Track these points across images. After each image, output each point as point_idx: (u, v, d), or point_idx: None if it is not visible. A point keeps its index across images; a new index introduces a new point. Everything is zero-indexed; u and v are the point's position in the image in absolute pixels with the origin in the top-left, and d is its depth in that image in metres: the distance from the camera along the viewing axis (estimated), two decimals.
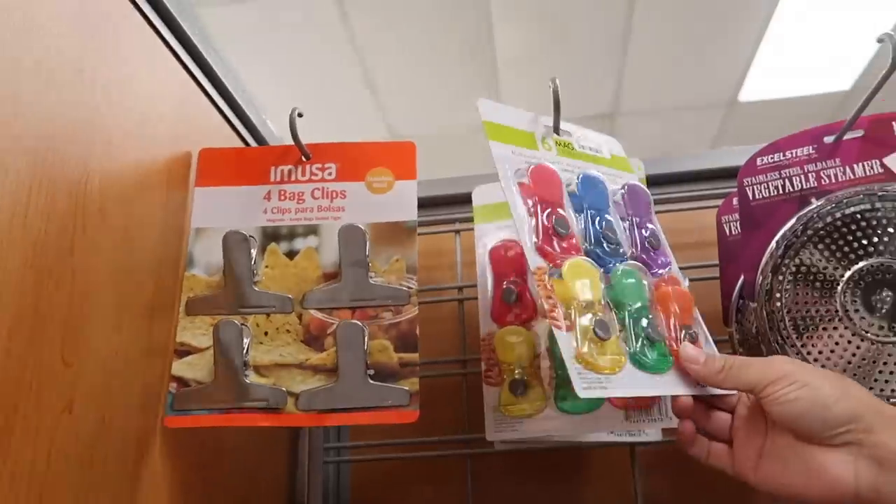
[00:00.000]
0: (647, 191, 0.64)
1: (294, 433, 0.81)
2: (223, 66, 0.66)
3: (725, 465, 0.51)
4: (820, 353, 0.58)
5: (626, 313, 0.53)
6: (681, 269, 0.62)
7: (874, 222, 0.57)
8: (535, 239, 0.54)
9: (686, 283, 0.61)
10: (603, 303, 0.53)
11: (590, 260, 0.55)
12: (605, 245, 0.57)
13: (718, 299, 0.67)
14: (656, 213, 0.64)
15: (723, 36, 2.96)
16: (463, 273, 0.80)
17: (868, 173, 0.59)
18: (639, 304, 0.54)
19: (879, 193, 0.57)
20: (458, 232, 0.82)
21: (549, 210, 0.56)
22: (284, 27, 2.63)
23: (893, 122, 0.59)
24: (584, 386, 0.48)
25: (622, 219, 0.61)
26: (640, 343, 0.52)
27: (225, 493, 0.64)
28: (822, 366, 0.58)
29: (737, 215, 0.65)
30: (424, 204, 0.87)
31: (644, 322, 0.53)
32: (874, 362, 0.57)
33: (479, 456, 0.76)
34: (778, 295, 0.59)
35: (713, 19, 2.86)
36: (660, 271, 0.60)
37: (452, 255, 0.82)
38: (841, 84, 3.28)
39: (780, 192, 0.62)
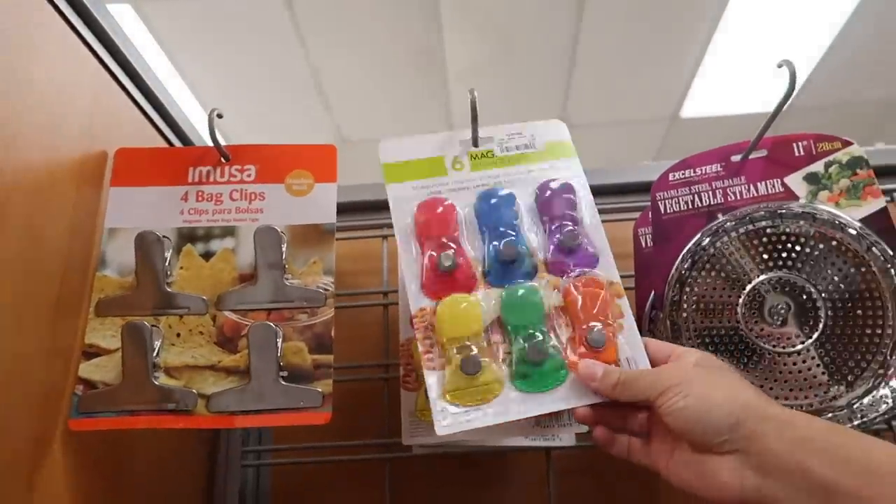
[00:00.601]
0: (573, 184, 0.61)
1: (214, 436, 0.80)
2: (144, 65, 0.66)
3: (644, 460, 0.51)
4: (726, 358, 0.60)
5: (515, 335, 0.54)
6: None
7: (774, 238, 0.60)
8: (418, 282, 0.56)
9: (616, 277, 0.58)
10: (489, 332, 0.54)
11: (473, 294, 0.56)
12: (498, 266, 0.57)
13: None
14: None
15: (667, 52, 3.04)
16: (389, 279, 0.81)
17: (770, 191, 0.62)
18: (527, 324, 0.55)
19: (779, 211, 0.60)
20: (385, 237, 0.83)
21: (434, 246, 0.57)
22: (230, 26, 2.59)
23: (794, 144, 0.62)
24: (445, 424, 0.50)
25: (543, 222, 0.60)
26: (520, 366, 0.53)
27: (136, 499, 0.63)
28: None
29: (651, 228, 0.67)
30: (353, 209, 0.87)
31: (524, 343, 0.54)
32: (771, 373, 0.60)
33: (399, 460, 0.77)
34: (685, 306, 0.62)
35: (658, 36, 2.94)
36: (576, 272, 0.57)
37: (379, 261, 0.83)
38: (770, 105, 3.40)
39: (690, 206, 0.64)
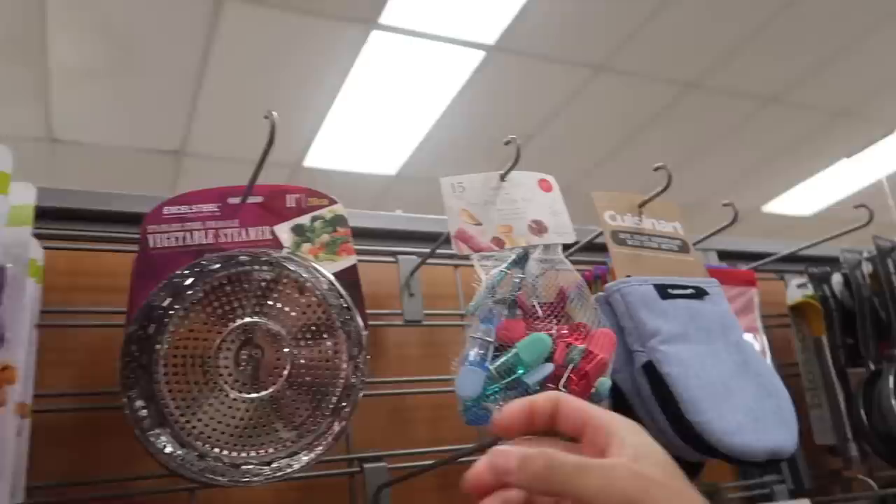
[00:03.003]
0: None
1: None
2: None
3: None
4: (206, 426, 0.58)
5: None
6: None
7: (252, 284, 0.61)
8: None
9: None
10: None
11: None
12: None
13: None
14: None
15: (296, 100, 3.12)
16: None
17: (260, 237, 0.63)
18: None
19: (262, 257, 0.61)
20: None
21: None
22: None
23: (287, 195, 0.65)
24: None
25: None
26: None
27: None
28: (211, 439, 0.58)
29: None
30: None
31: None
32: (252, 421, 0.60)
33: None
34: (157, 347, 0.58)
35: (288, 83, 3.00)
36: None
37: None
38: (389, 169, 3.73)
39: (180, 243, 0.62)
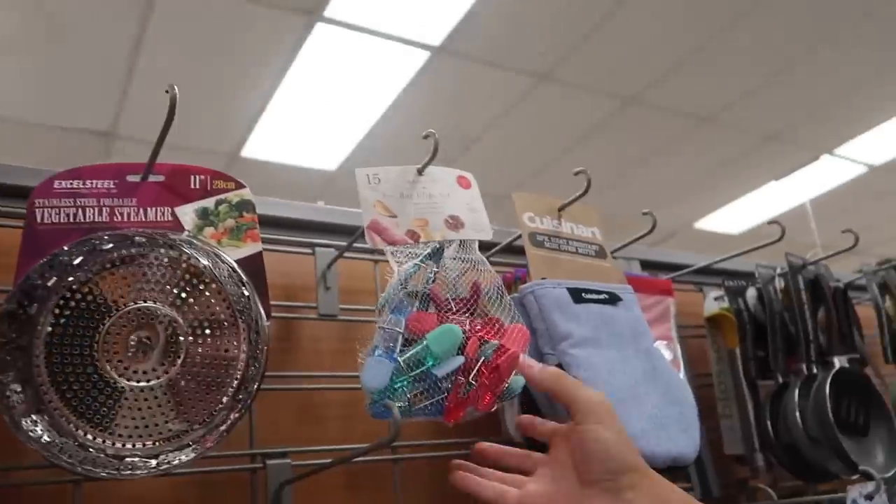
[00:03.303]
0: None
1: None
2: None
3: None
4: (89, 414, 0.55)
5: None
6: None
7: (140, 268, 0.57)
8: None
9: None
10: None
11: None
12: None
13: None
14: None
15: (236, 88, 3.04)
16: None
17: (159, 218, 0.60)
18: None
19: (158, 238, 0.58)
20: None
21: None
22: None
23: (192, 176, 0.62)
24: None
25: None
26: None
27: None
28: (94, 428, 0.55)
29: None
30: None
31: None
32: (140, 410, 0.57)
33: None
34: (39, 328, 0.55)
35: (228, 69, 2.92)
36: None
37: None
38: (329, 164, 3.68)
39: (71, 220, 0.58)
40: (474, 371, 0.60)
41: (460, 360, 0.60)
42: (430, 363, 0.59)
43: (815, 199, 4.30)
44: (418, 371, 0.59)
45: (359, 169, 0.64)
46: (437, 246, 0.66)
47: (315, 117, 3.32)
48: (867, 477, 0.90)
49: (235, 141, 3.43)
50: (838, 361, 1.00)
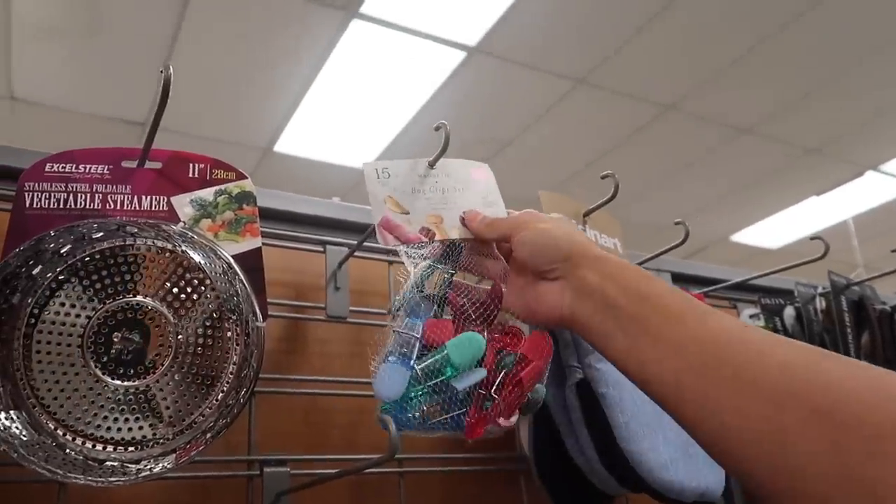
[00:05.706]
0: None
1: None
2: None
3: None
4: (70, 413, 0.51)
5: None
6: None
7: (131, 259, 0.54)
8: None
9: None
10: None
11: None
12: None
13: None
14: None
15: (271, 82, 3.03)
16: None
17: (154, 208, 0.56)
18: None
19: (154, 231, 0.54)
20: None
21: None
22: None
23: (191, 164, 0.58)
24: None
25: None
26: None
27: None
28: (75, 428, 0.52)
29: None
30: None
31: None
32: (125, 411, 0.53)
33: None
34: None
35: (263, 63, 2.91)
36: None
37: None
38: (361, 162, 3.65)
39: (62, 206, 0.55)
40: (496, 384, 0.55)
41: (482, 373, 0.55)
42: (450, 374, 0.54)
43: (857, 217, 4.15)
44: (436, 381, 0.55)
45: (366, 163, 0.60)
46: (454, 245, 0.61)
47: (349, 114, 3.29)
48: None
49: (269, 135, 3.43)
50: None
